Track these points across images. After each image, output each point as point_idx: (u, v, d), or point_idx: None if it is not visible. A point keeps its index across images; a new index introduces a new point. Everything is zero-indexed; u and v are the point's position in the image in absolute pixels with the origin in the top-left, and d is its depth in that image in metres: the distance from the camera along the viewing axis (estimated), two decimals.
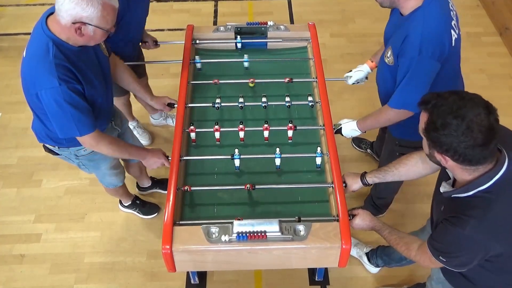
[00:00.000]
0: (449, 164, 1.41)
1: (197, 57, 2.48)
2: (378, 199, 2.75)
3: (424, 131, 1.41)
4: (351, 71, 2.52)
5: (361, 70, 2.49)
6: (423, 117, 1.41)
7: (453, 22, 1.95)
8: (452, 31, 1.92)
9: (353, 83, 2.53)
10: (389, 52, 2.01)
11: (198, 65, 2.50)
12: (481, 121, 1.30)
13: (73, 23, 1.67)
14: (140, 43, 2.80)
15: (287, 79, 2.35)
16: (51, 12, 1.76)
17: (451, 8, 1.96)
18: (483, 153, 1.34)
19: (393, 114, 2.02)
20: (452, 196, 1.49)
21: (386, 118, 2.08)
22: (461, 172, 1.43)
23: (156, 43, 2.82)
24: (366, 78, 2.52)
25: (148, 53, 2.90)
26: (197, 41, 2.59)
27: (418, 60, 1.85)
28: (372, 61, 2.46)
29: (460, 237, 1.43)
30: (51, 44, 1.72)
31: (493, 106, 1.35)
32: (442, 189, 1.55)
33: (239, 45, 2.59)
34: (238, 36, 2.58)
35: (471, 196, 1.43)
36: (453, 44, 1.93)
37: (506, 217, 1.42)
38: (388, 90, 2.06)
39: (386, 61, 2.05)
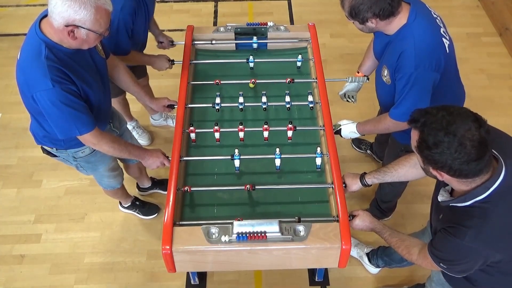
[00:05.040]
0: (446, 178, 1.41)
1: (251, 57, 2.46)
2: (383, 203, 2.75)
3: (417, 149, 1.40)
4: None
5: (353, 85, 2.49)
6: (414, 135, 1.40)
7: (442, 30, 1.96)
8: (444, 39, 1.94)
9: (348, 95, 2.53)
10: (385, 71, 2.03)
11: (251, 65, 2.48)
12: (472, 135, 1.29)
13: (66, 26, 1.66)
14: (156, 44, 2.81)
15: (288, 80, 2.35)
16: (45, 15, 1.76)
17: (434, 15, 1.98)
18: (478, 167, 1.34)
19: (392, 124, 2.05)
20: (450, 205, 1.49)
21: (384, 127, 2.11)
22: (458, 184, 1.43)
23: (172, 43, 2.83)
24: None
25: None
26: (213, 42, 2.58)
27: (416, 75, 1.86)
28: (358, 72, 2.46)
29: (460, 247, 1.44)
30: (43, 47, 1.72)
31: (482, 119, 1.34)
32: (440, 198, 1.55)
33: (255, 46, 2.59)
34: (254, 37, 2.57)
35: (468, 206, 1.43)
36: (447, 51, 1.94)
37: (504, 226, 1.42)
38: (389, 104, 2.08)
39: (384, 79, 2.07)
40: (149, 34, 2.69)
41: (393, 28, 1.92)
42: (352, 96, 2.53)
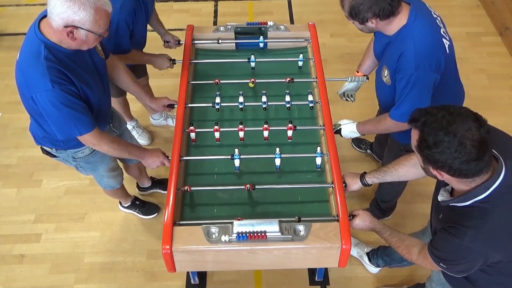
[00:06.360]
0: (445, 177, 1.41)
1: (252, 56, 2.46)
2: (382, 203, 2.75)
3: (417, 148, 1.41)
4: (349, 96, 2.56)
5: (353, 85, 2.50)
6: (414, 135, 1.40)
7: (442, 30, 1.96)
8: (444, 40, 1.94)
9: (347, 94, 2.54)
10: (386, 72, 2.03)
11: (252, 64, 2.48)
12: (472, 135, 1.30)
13: (65, 26, 1.66)
14: (163, 43, 2.81)
15: (288, 79, 2.35)
16: (44, 15, 1.75)
17: (435, 16, 1.98)
18: (478, 166, 1.34)
19: (392, 124, 2.05)
20: (450, 204, 1.49)
21: (384, 127, 2.11)
22: (458, 184, 1.43)
23: (178, 42, 2.80)
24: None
25: None
26: (219, 41, 2.58)
27: (416, 75, 1.86)
28: (358, 71, 2.47)
29: (459, 248, 1.44)
30: (42, 47, 1.72)
31: (482, 118, 1.34)
32: (440, 198, 1.55)
33: (261, 45, 2.58)
34: (261, 36, 2.57)
35: (468, 205, 1.43)
36: (447, 52, 1.94)
37: (503, 226, 1.42)
38: (388, 104, 2.09)
39: (384, 80, 2.07)
40: (149, 33, 2.69)
41: (393, 28, 1.92)
42: (351, 95, 2.54)
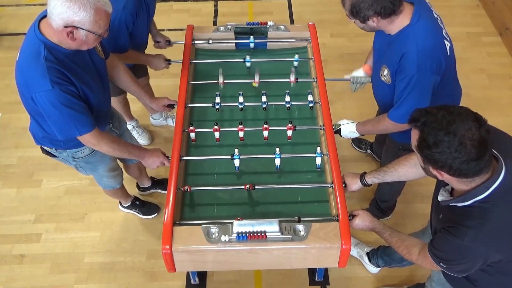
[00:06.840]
0: (445, 177, 1.41)
1: (247, 56, 2.46)
2: (382, 202, 2.75)
3: (417, 148, 1.40)
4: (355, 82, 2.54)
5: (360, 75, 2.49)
6: (414, 134, 1.40)
7: (444, 31, 1.96)
8: (445, 41, 1.94)
9: (356, 85, 2.53)
10: (385, 71, 2.02)
11: (248, 64, 2.48)
12: (472, 135, 1.30)
13: (65, 27, 1.66)
14: (153, 43, 2.81)
15: (292, 79, 2.33)
16: (44, 15, 1.75)
17: (436, 16, 1.97)
18: (478, 166, 1.34)
19: (391, 125, 2.05)
20: (450, 204, 1.49)
21: (384, 128, 2.11)
22: (458, 184, 1.43)
23: (169, 43, 2.82)
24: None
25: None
26: (210, 41, 2.59)
27: (417, 77, 1.86)
28: (365, 63, 2.46)
29: (459, 247, 1.44)
30: (42, 48, 1.72)
31: (482, 118, 1.34)
32: (440, 198, 1.55)
33: (251, 45, 2.59)
34: (251, 36, 2.57)
35: (468, 205, 1.43)
36: (448, 54, 1.94)
37: (504, 226, 1.42)
38: (387, 104, 2.08)
39: (383, 79, 2.06)
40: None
41: (395, 27, 1.91)
42: (361, 84, 2.50)
